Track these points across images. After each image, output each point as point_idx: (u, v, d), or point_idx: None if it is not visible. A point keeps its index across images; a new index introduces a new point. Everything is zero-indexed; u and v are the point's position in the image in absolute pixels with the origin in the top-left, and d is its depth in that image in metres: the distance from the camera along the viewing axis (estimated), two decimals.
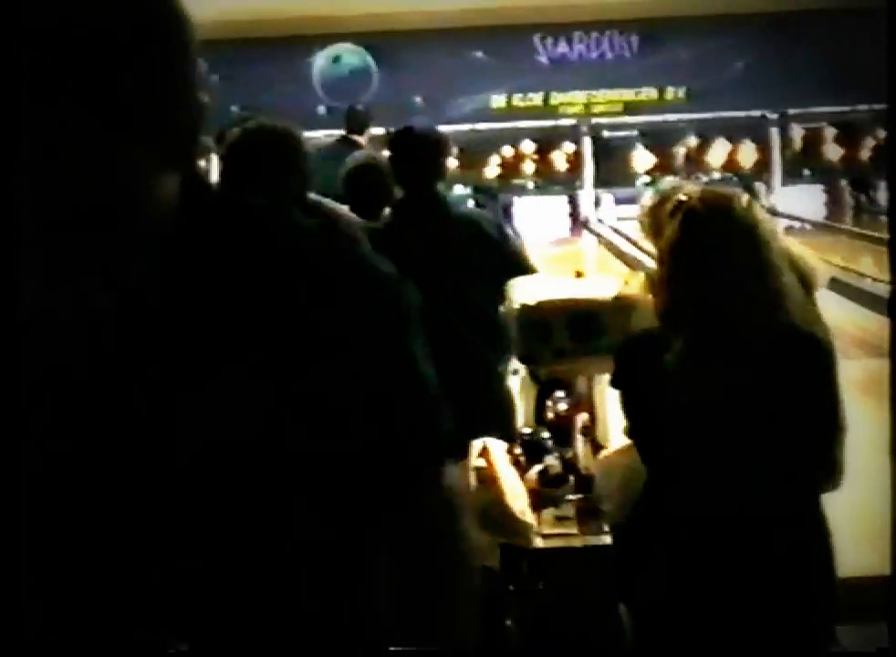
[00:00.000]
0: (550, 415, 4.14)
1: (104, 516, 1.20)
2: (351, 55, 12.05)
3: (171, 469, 1.19)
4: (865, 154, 11.78)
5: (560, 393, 4.20)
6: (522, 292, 3.71)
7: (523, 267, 4.28)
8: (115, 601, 1.22)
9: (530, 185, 11.53)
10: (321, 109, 11.65)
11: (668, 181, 8.19)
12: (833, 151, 11.62)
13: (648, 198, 3.87)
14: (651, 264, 3.10)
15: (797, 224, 9.80)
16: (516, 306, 3.64)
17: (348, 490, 1.28)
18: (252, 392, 1.20)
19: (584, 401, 4.02)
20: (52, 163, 1.07)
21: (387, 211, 4.39)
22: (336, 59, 12.07)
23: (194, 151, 1.15)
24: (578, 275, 4.68)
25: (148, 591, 1.22)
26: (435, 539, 1.36)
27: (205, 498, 1.20)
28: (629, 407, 2.87)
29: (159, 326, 1.18)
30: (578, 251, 9.53)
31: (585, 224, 10.32)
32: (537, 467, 3.89)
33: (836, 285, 4.73)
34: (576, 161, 11.26)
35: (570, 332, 3.53)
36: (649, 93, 11.98)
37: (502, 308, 3.74)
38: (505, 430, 3.99)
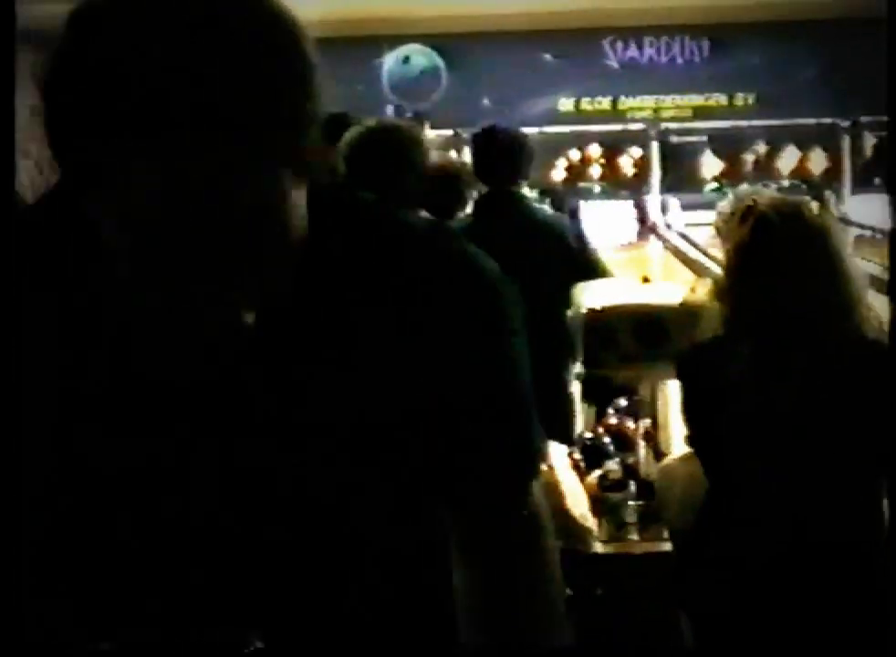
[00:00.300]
0: (612, 421, 4.13)
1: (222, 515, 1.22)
2: (421, 56, 12.06)
3: (287, 468, 1.21)
4: None
5: (623, 399, 4.18)
6: (588, 296, 3.70)
7: (597, 273, 4.27)
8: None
9: (597, 189, 11.47)
10: (389, 110, 11.66)
11: (745, 188, 8.12)
12: None
13: (726, 204, 3.85)
14: (719, 271, 3.08)
15: (867, 233, 9.68)
16: (583, 310, 3.63)
17: (437, 491, 1.30)
18: (362, 391, 1.21)
19: (647, 407, 4.01)
20: (186, 179, 1.07)
21: (466, 210, 4.40)
22: (405, 60, 12.08)
23: (317, 158, 1.16)
24: (645, 280, 4.66)
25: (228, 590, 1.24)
26: (522, 551, 1.37)
27: (307, 501, 1.22)
28: (690, 415, 2.86)
29: (287, 334, 1.20)
30: (643, 256, 9.47)
31: (651, 229, 10.25)
32: (598, 472, 3.88)
33: None
34: (643, 165, 11.18)
35: (636, 338, 3.51)
36: (718, 99, 11.88)
37: (569, 312, 3.74)
38: (565, 434, 3.98)
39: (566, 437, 4.02)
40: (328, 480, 1.21)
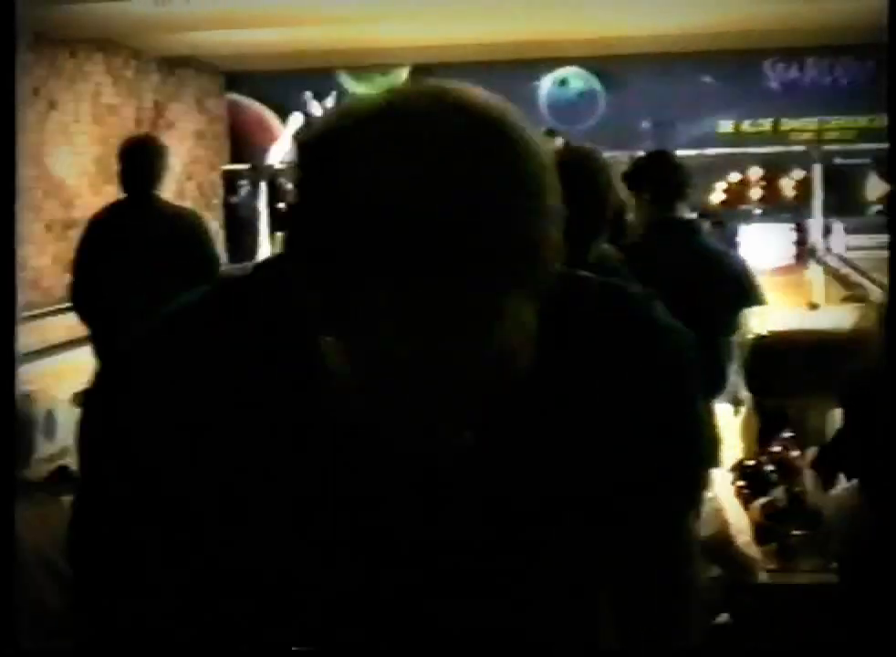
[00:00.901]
0: (775, 448, 4.08)
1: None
2: (578, 78, 12.07)
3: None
4: None
5: (787, 428, 4.12)
6: (757, 322, 3.66)
7: (757, 300, 4.23)
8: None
9: (757, 212, 11.35)
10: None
11: None
12: None
13: None
14: (881, 295, 3.03)
15: None
16: (751, 336, 3.59)
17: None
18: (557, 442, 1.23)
19: (816, 435, 3.94)
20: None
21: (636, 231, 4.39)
22: (563, 82, 12.10)
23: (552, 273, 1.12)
24: (813, 306, 4.59)
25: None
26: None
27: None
28: (852, 444, 2.82)
29: (504, 447, 1.20)
30: (802, 280, 9.33)
31: (812, 253, 10.09)
32: (762, 500, 3.83)
33: None
34: (805, 188, 11.01)
35: (806, 365, 3.46)
36: (884, 120, 11.66)
37: (735, 338, 3.70)
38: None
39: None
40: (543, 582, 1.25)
